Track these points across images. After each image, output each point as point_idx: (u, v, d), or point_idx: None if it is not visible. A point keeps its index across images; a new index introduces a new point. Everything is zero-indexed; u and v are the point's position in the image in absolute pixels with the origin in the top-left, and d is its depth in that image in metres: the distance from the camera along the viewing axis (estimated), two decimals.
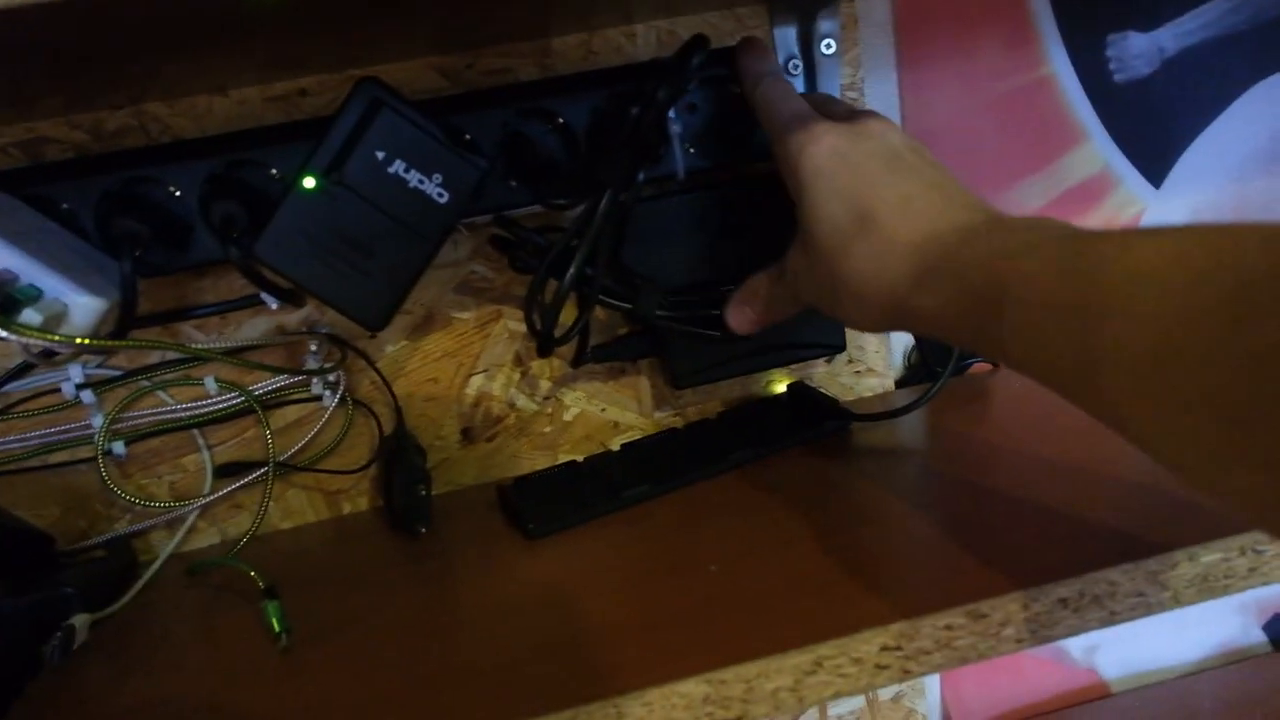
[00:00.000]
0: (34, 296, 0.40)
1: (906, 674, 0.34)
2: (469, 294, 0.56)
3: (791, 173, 0.42)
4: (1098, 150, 0.62)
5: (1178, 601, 0.36)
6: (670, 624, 0.37)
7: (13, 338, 0.38)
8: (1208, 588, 0.36)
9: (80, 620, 0.44)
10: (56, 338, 0.39)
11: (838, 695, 0.34)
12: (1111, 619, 0.35)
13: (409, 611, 0.43)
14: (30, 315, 0.39)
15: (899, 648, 0.34)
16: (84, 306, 0.41)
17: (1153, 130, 0.63)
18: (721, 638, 0.35)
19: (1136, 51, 0.62)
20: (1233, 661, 0.74)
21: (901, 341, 0.62)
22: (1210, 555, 0.36)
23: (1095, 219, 0.64)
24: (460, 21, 0.47)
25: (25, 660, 0.43)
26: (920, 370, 0.63)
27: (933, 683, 0.70)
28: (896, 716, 0.69)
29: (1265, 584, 0.36)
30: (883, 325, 0.40)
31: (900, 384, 0.62)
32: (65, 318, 0.41)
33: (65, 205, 0.46)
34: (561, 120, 0.50)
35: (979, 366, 0.63)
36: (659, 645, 0.36)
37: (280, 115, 0.52)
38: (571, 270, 0.44)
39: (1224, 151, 0.64)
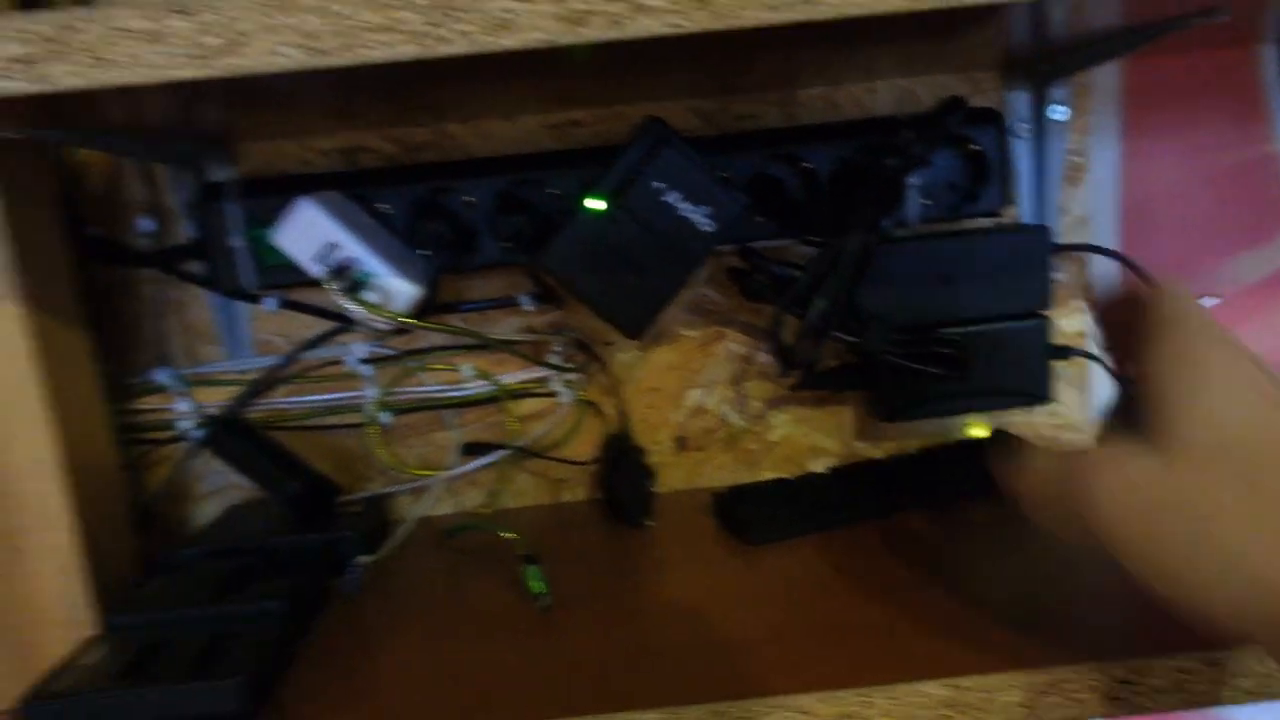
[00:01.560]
0: (368, 280, 0.47)
1: (1137, 710, 0.36)
2: (698, 314, 0.61)
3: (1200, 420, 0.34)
4: None
5: None
6: (904, 632, 0.41)
7: (357, 310, 0.45)
8: None
9: (364, 560, 0.51)
10: (390, 314, 0.46)
11: (1065, 719, 0.37)
12: None
13: (640, 592, 0.48)
14: (369, 295, 0.46)
15: (1134, 683, 0.36)
16: (403, 292, 0.49)
17: None
18: (959, 650, 0.38)
19: None
20: None
21: (1100, 398, 0.64)
22: None
23: None
24: (716, 72, 0.53)
25: (322, 587, 0.50)
26: (1119, 429, 0.64)
27: None
28: None
29: None
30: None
31: (1101, 440, 0.64)
32: (388, 299, 0.48)
33: (382, 206, 0.54)
34: (806, 165, 0.55)
35: None
36: (895, 649, 0.39)
37: (555, 142, 0.58)
38: (822, 304, 0.49)
39: None
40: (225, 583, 0.48)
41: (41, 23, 0.30)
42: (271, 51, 0.30)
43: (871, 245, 0.51)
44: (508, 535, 0.52)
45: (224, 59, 0.30)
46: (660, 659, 0.41)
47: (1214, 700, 0.36)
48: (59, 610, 0.51)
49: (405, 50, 0.31)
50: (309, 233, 0.47)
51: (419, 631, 0.46)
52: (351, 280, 0.46)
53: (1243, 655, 0.36)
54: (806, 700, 0.37)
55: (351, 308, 0.45)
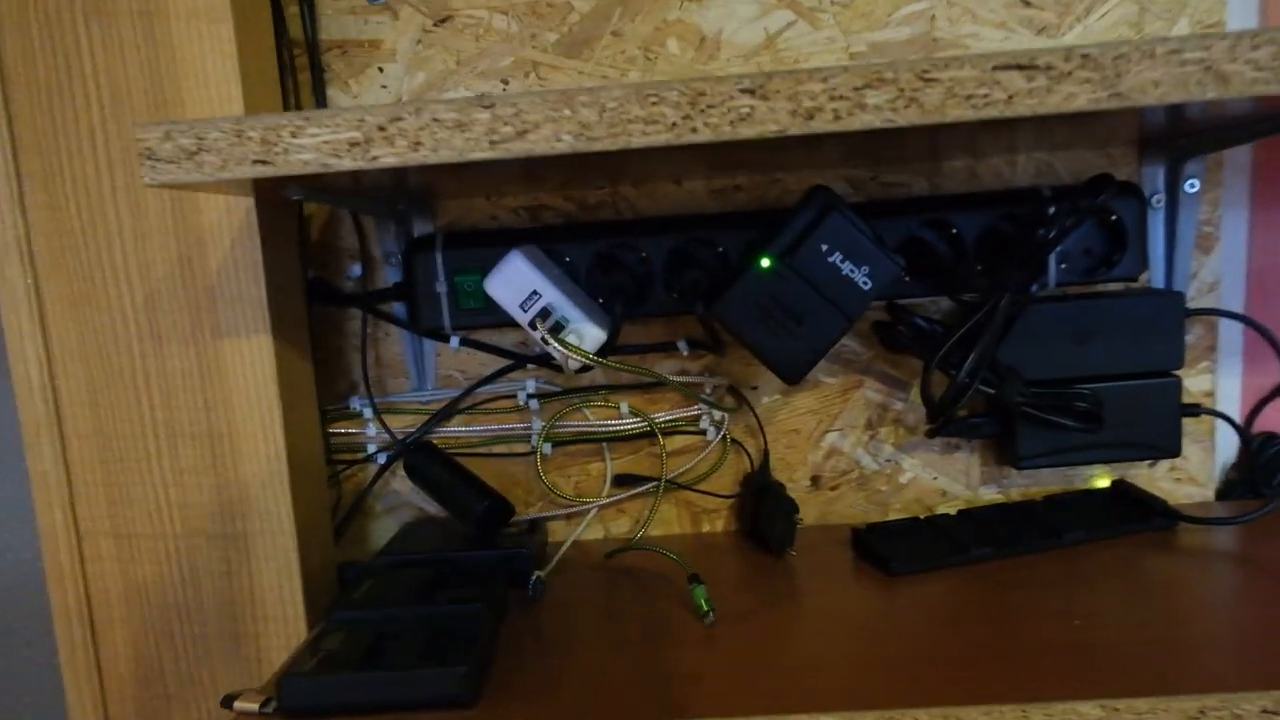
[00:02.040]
0: (567, 324, 0.54)
1: None
2: (839, 363, 0.66)
3: None
4: None
5: None
6: (1049, 656, 0.45)
7: (558, 350, 0.52)
8: None
9: (539, 574, 0.57)
10: (586, 355, 0.52)
11: None
12: None
13: (794, 613, 0.53)
14: (569, 337, 0.53)
15: (1276, 712, 0.40)
16: (592, 335, 0.55)
17: None
18: (1105, 676, 0.42)
19: None
20: None
21: (1224, 456, 0.67)
22: None
23: None
24: (868, 145, 0.58)
25: (507, 593, 0.56)
26: (1239, 486, 0.66)
27: None
28: None
29: None
30: None
31: (1219, 496, 0.67)
32: (581, 341, 0.54)
33: (568, 259, 0.60)
34: (954, 230, 0.60)
35: None
36: (1045, 669, 0.43)
37: (717, 205, 0.65)
38: (971, 361, 0.53)
39: None
40: (426, 588, 0.54)
41: (376, 114, 0.37)
42: (553, 138, 0.37)
43: (1021, 306, 0.56)
44: (673, 556, 0.57)
45: (513, 144, 0.37)
46: (823, 671, 0.45)
47: None
48: (276, 605, 0.58)
49: (661, 138, 0.37)
50: (516, 281, 0.54)
51: (597, 638, 0.51)
52: (554, 324, 0.53)
53: None
54: (970, 713, 0.41)
55: (554, 348, 0.52)
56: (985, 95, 0.37)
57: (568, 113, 0.37)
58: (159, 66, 0.53)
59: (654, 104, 0.37)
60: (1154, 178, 0.63)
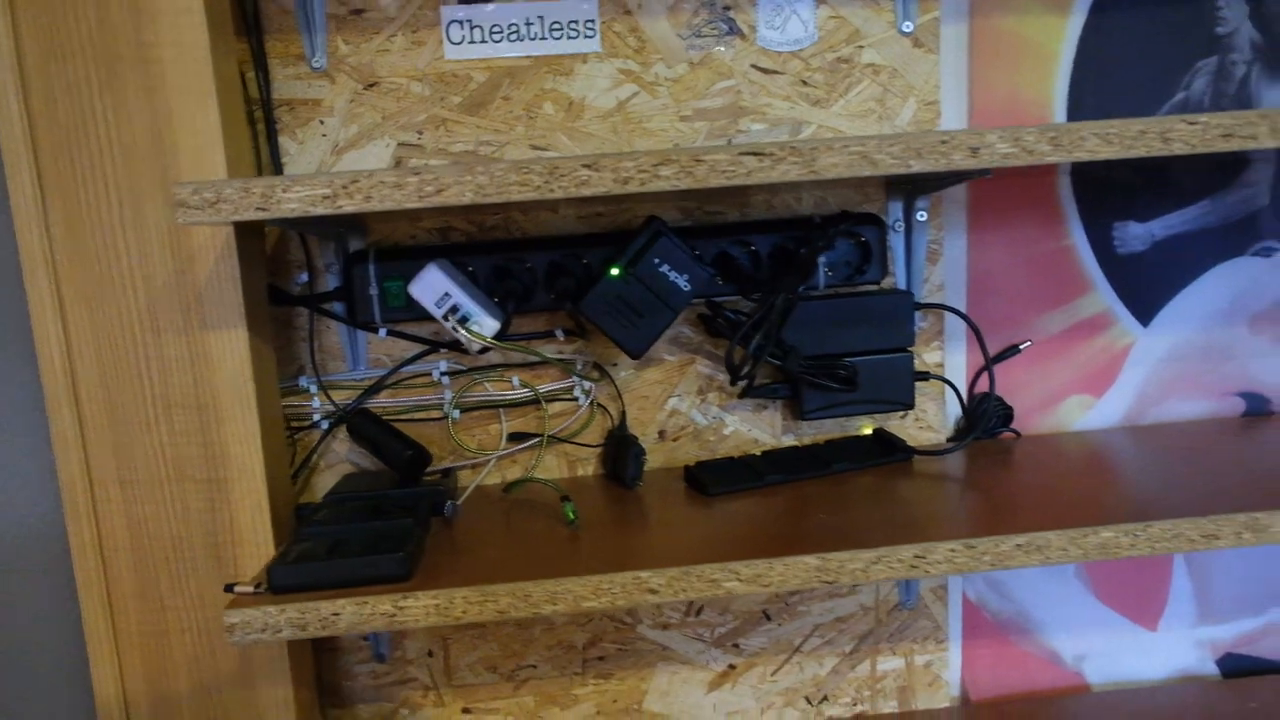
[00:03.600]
0: (470, 317, 0.74)
1: (919, 572, 0.63)
2: (677, 345, 0.88)
3: None
4: (1101, 297, 0.92)
5: (1091, 556, 0.64)
6: (806, 536, 0.68)
7: (464, 336, 0.72)
8: (1104, 550, 0.65)
9: (454, 507, 0.77)
10: (484, 339, 0.73)
11: (888, 577, 0.64)
12: (1046, 561, 0.64)
13: (638, 523, 0.74)
14: (473, 326, 0.73)
15: (924, 556, 0.64)
16: (489, 325, 0.75)
17: (1143, 288, 0.92)
18: (832, 543, 0.65)
19: (1135, 235, 0.92)
20: (1189, 683, 0.99)
21: (955, 410, 0.92)
22: (1106, 532, 0.64)
23: (1096, 345, 0.93)
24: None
25: (430, 517, 0.76)
26: (965, 432, 0.92)
27: (955, 660, 0.97)
28: (927, 679, 0.97)
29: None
30: None
31: (951, 440, 0.92)
32: (481, 330, 0.75)
33: (470, 268, 0.81)
34: (753, 247, 0.83)
35: (1006, 435, 0.92)
36: (798, 541, 0.66)
37: (585, 227, 0.86)
38: (757, 340, 0.76)
39: (1196, 307, 0.93)
40: (367, 514, 0.73)
41: (341, 178, 0.57)
42: (460, 194, 0.58)
43: (792, 302, 0.79)
44: (550, 483, 0.79)
45: (434, 198, 0.58)
46: (656, 549, 0.67)
47: (974, 569, 0.63)
48: (249, 534, 0.77)
49: (532, 195, 0.58)
50: (432, 286, 0.74)
51: (496, 539, 0.72)
52: (461, 317, 0.73)
53: (997, 540, 0.64)
54: (739, 566, 0.64)
55: (461, 335, 0.72)
56: (733, 170, 0.60)
57: (469, 178, 0.58)
58: (159, 125, 0.71)
59: (525, 174, 0.58)
60: (896, 210, 0.87)
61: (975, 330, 0.87)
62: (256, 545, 0.77)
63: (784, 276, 0.79)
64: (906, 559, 0.64)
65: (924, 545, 0.64)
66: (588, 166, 0.59)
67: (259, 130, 0.81)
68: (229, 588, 0.65)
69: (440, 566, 0.67)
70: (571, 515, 0.74)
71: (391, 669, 0.92)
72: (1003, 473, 0.81)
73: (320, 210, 0.58)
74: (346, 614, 0.62)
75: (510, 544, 0.71)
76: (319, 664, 0.90)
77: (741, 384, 0.82)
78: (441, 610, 0.62)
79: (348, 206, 0.58)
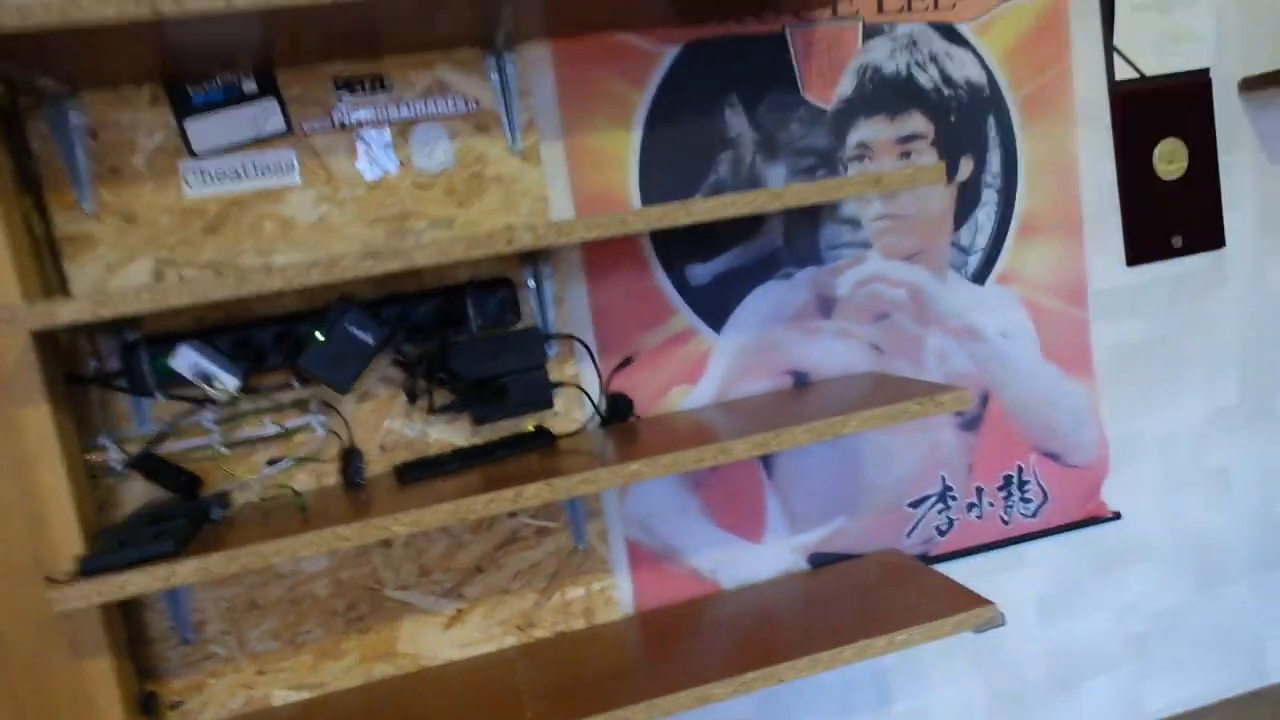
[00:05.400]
0: (215, 378, 1.08)
1: (521, 503, 1.01)
2: (384, 383, 1.24)
3: None
4: (684, 318, 1.34)
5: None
6: (456, 495, 1.04)
7: (214, 392, 1.06)
8: (699, 460, 1.04)
9: (222, 511, 1.10)
10: (229, 394, 1.06)
11: (498, 511, 1.02)
12: (636, 477, 1.03)
13: (357, 502, 1.09)
14: (220, 384, 1.07)
15: (522, 492, 1.02)
16: (231, 382, 1.09)
17: (712, 307, 1.36)
18: (467, 495, 1.03)
19: (699, 272, 1.35)
20: (792, 577, 1.42)
21: (588, 407, 1.32)
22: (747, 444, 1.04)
23: (687, 350, 1.35)
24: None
25: (203, 520, 1.08)
26: (603, 421, 1.32)
27: (625, 584, 1.36)
28: (604, 601, 1.35)
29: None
30: None
31: (590, 426, 1.32)
32: (226, 386, 1.08)
33: (216, 344, 1.14)
34: (424, 307, 1.20)
35: (633, 419, 1.32)
36: (446, 499, 1.03)
37: (304, 303, 1.21)
38: (421, 369, 1.13)
39: (750, 317, 1.37)
40: (153, 521, 1.05)
41: (96, 296, 0.90)
42: (168, 298, 0.92)
43: (447, 344, 1.17)
44: (287, 488, 1.13)
45: (160, 301, 0.92)
46: (355, 518, 1.02)
47: (599, 487, 1.02)
48: (65, 548, 1.06)
49: (206, 297, 0.93)
50: (187, 359, 1.06)
51: (253, 529, 1.05)
52: (209, 379, 1.06)
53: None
54: (382, 520, 0.99)
55: (211, 391, 1.05)
56: (359, 267, 0.96)
57: (237, 284, 0.92)
58: None
59: (281, 278, 0.93)
60: (529, 273, 1.27)
61: (589, 350, 1.28)
62: (72, 560, 1.06)
63: (443, 327, 1.17)
64: (509, 496, 1.02)
65: (517, 490, 1.02)
66: (315, 268, 0.95)
67: (45, 260, 1.12)
68: (50, 580, 0.95)
69: (208, 547, 1.00)
70: (302, 505, 1.08)
71: (196, 649, 1.22)
72: (626, 441, 1.21)
73: (85, 318, 0.91)
74: (135, 581, 0.94)
75: (259, 529, 1.05)
76: (136, 656, 1.19)
77: (423, 405, 1.19)
78: (201, 570, 0.95)
79: (104, 313, 0.91)
